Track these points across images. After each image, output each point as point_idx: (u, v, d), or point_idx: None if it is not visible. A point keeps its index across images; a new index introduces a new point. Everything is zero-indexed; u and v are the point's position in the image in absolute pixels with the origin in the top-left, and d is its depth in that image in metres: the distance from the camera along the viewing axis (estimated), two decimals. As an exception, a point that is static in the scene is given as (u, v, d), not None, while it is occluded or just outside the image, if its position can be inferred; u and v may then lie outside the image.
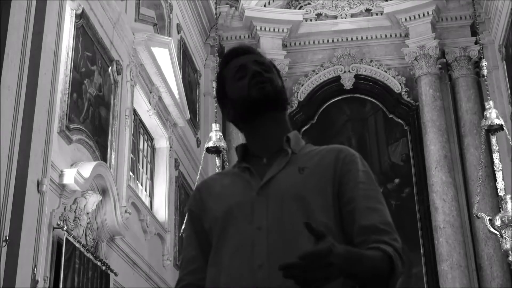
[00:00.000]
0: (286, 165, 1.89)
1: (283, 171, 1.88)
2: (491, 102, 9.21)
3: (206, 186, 2.03)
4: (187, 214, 2.05)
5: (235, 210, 1.86)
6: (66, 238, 6.79)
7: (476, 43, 12.46)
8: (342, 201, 1.84)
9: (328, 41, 13.60)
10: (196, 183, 9.91)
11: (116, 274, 7.98)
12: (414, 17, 13.05)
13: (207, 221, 1.93)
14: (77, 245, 7.01)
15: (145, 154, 10.47)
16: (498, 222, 8.50)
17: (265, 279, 1.73)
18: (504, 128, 9.12)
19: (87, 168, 7.24)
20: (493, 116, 8.97)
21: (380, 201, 1.85)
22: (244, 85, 1.95)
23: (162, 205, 10.39)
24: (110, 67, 8.67)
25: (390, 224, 1.79)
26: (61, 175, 6.91)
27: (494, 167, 9.23)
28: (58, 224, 6.75)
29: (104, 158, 8.14)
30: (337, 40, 13.55)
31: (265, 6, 13.71)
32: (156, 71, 9.93)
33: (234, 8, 13.50)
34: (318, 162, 1.90)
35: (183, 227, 9.05)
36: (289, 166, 1.89)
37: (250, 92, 1.94)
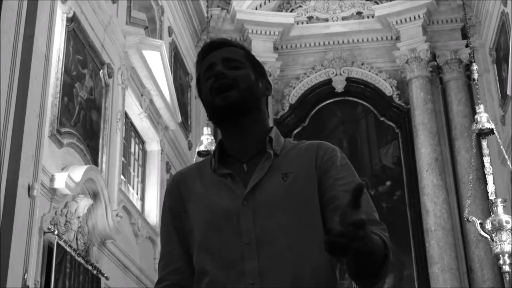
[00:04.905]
0: (269, 171, 1.80)
1: (266, 177, 1.79)
2: (481, 106, 9.22)
3: (183, 182, 1.90)
4: (166, 210, 1.92)
5: (219, 220, 1.77)
6: (57, 242, 6.77)
7: (467, 46, 12.48)
8: (323, 200, 1.78)
9: (319, 44, 13.62)
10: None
11: (107, 278, 7.96)
12: (405, 20, 13.07)
13: (187, 223, 1.85)
14: (68, 249, 6.99)
15: (137, 157, 10.45)
16: (489, 226, 8.50)
17: None
18: (495, 132, 9.14)
19: (78, 172, 7.23)
20: (483, 120, 8.98)
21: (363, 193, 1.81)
22: (209, 88, 1.86)
23: (153, 209, 10.38)
24: (101, 71, 8.65)
25: (375, 214, 1.76)
26: (52, 179, 6.90)
27: (485, 170, 9.26)
28: (49, 229, 6.73)
29: (95, 161, 8.12)
30: (329, 43, 13.58)
31: (256, 8, 13.72)
32: (147, 74, 9.92)
33: (225, 11, 13.49)
34: (300, 164, 1.82)
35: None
36: (272, 171, 1.80)
37: (214, 100, 1.84)
